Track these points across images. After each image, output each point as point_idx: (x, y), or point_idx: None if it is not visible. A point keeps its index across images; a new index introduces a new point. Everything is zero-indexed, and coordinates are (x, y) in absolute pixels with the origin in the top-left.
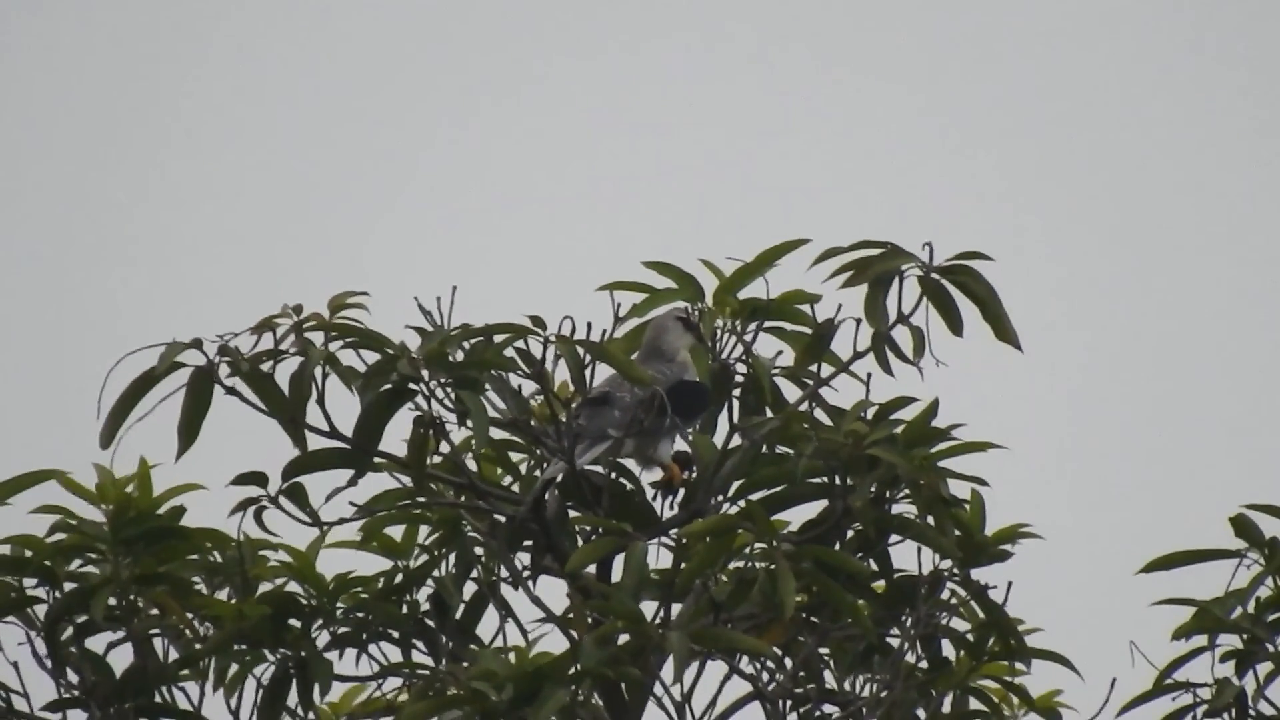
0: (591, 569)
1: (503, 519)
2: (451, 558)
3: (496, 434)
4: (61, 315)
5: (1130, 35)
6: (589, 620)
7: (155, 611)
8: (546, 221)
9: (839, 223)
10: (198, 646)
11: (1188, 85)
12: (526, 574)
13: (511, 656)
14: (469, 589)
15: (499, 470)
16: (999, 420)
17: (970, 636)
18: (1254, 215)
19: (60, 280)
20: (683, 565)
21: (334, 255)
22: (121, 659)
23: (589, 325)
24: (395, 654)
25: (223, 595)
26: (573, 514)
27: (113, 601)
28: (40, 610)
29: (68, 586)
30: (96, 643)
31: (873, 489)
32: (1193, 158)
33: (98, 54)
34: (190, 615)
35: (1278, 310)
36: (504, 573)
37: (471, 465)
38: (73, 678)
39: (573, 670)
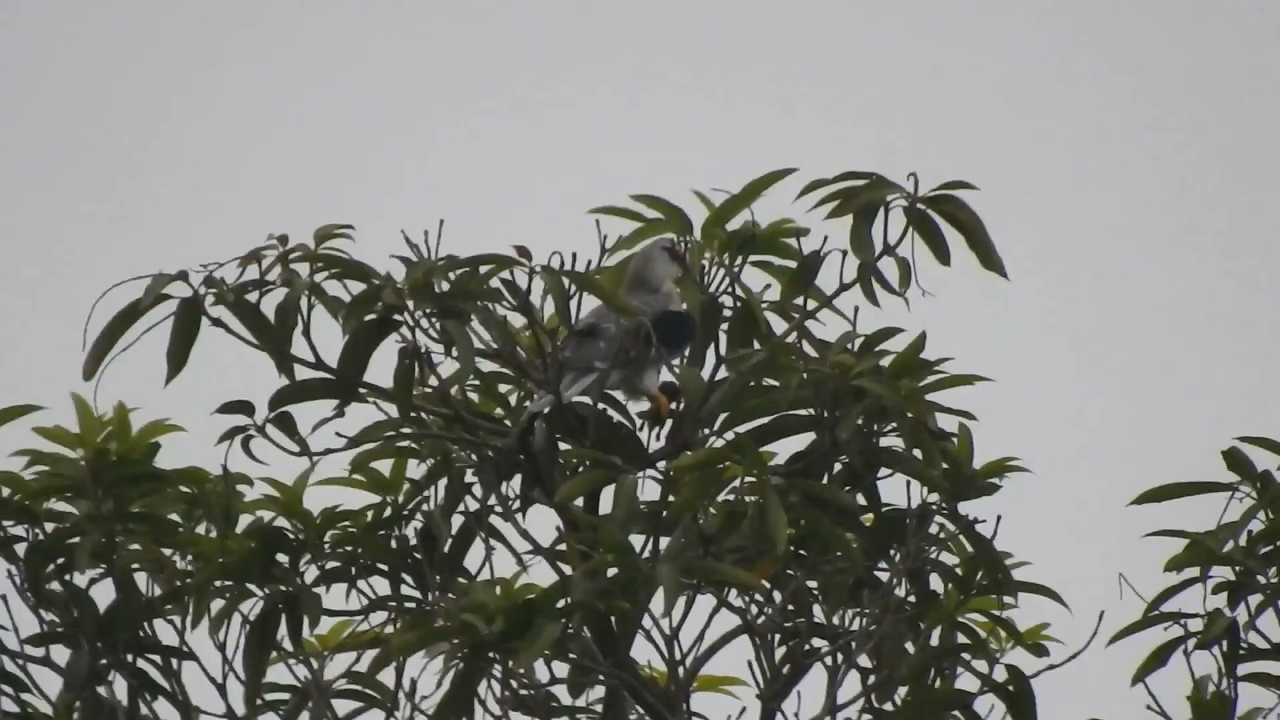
0: (579, 501)
1: (490, 451)
2: (440, 490)
3: (486, 365)
4: (47, 246)
5: None
6: (580, 554)
7: (136, 547)
8: (533, 153)
9: (825, 152)
10: (179, 584)
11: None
12: (515, 506)
13: (498, 589)
14: (457, 522)
15: (488, 402)
16: (986, 352)
17: (958, 570)
18: (1251, 129)
19: (45, 211)
20: (671, 498)
21: (320, 187)
22: (104, 594)
23: (574, 256)
24: (384, 588)
25: (203, 531)
26: (561, 446)
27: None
28: (21, 548)
29: (48, 524)
30: (79, 577)
31: (860, 421)
32: (1185, 78)
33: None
34: (171, 552)
35: (1272, 238)
36: (493, 504)
37: (459, 397)
38: (54, 615)
39: (562, 603)
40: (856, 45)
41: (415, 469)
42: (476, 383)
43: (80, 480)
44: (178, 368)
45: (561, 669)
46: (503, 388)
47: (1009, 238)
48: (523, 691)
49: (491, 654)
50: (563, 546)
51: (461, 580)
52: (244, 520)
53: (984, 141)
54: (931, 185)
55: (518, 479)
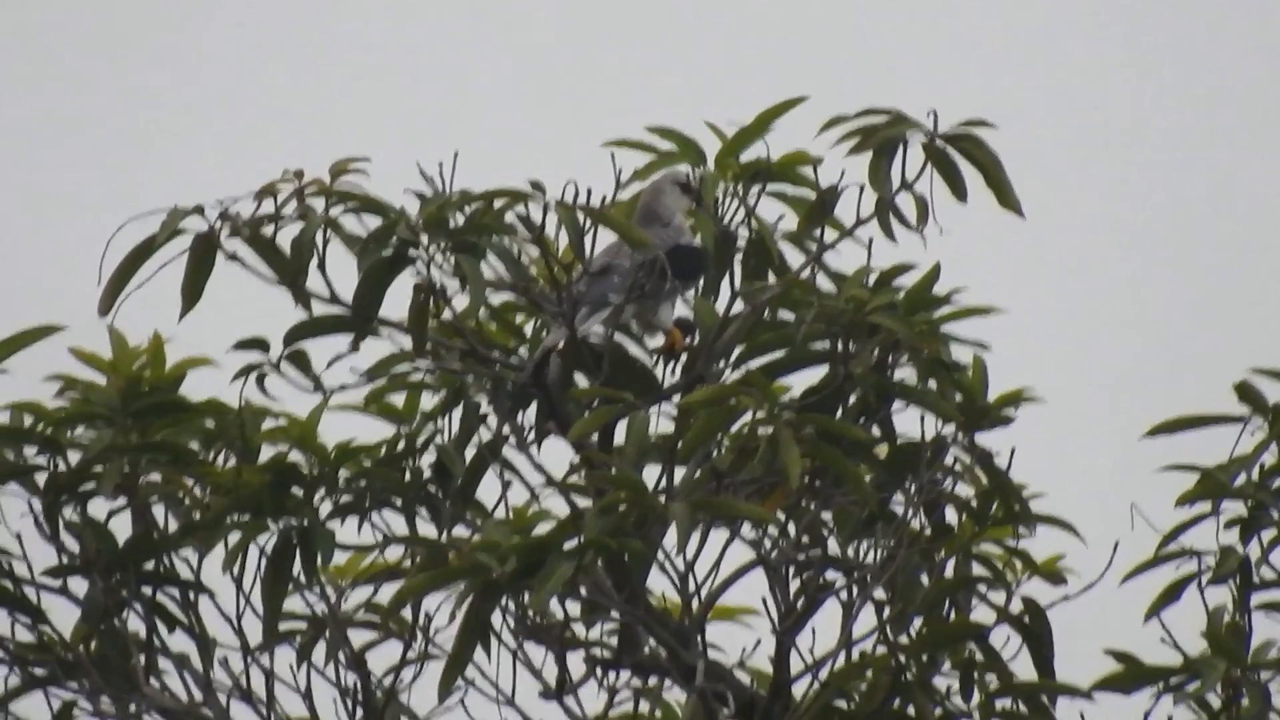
0: (594, 436)
1: (505, 383)
2: (454, 422)
3: (500, 296)
4: (62, 177)
5: None
6: (595, 488)
7: (155, 478)
8: (545, 87)
9: (836, 81)
10: (196, 516)
11: None
12: (530, 439)
13: (511, 525)
14: (471, 455)
15: (503, 333)
16: (1001, 286)
17: (973, 502)
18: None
19: (61, 143)
20: (684, 432)
21: (333, 119)
22: (120, 526)
23: (589, 190)
24: (398, 521)
25: (221, 463)
26: (576, 378)
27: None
28: (40, 478)
29: (69, 454)
30: (97, 509)
31: (874, 354)
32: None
33: None
34: (191, 482)
35: None
36: (509, 436)
37: (473, 329)
38: (73, 546)
39: (576, 542)
40: None
41: (429, 401)
42: (489, 312)
43: (111, 407)
44: (192, 302)
45: (575, 606)
46: (516, 318)
47: (1024, 172)
48: (537, 621)
49: (505, 594)
50: (576, 478)
51: (475, 513)
52: (264, 453)
53: (997, 72)
54: (951, 123)
55: (532, 410)
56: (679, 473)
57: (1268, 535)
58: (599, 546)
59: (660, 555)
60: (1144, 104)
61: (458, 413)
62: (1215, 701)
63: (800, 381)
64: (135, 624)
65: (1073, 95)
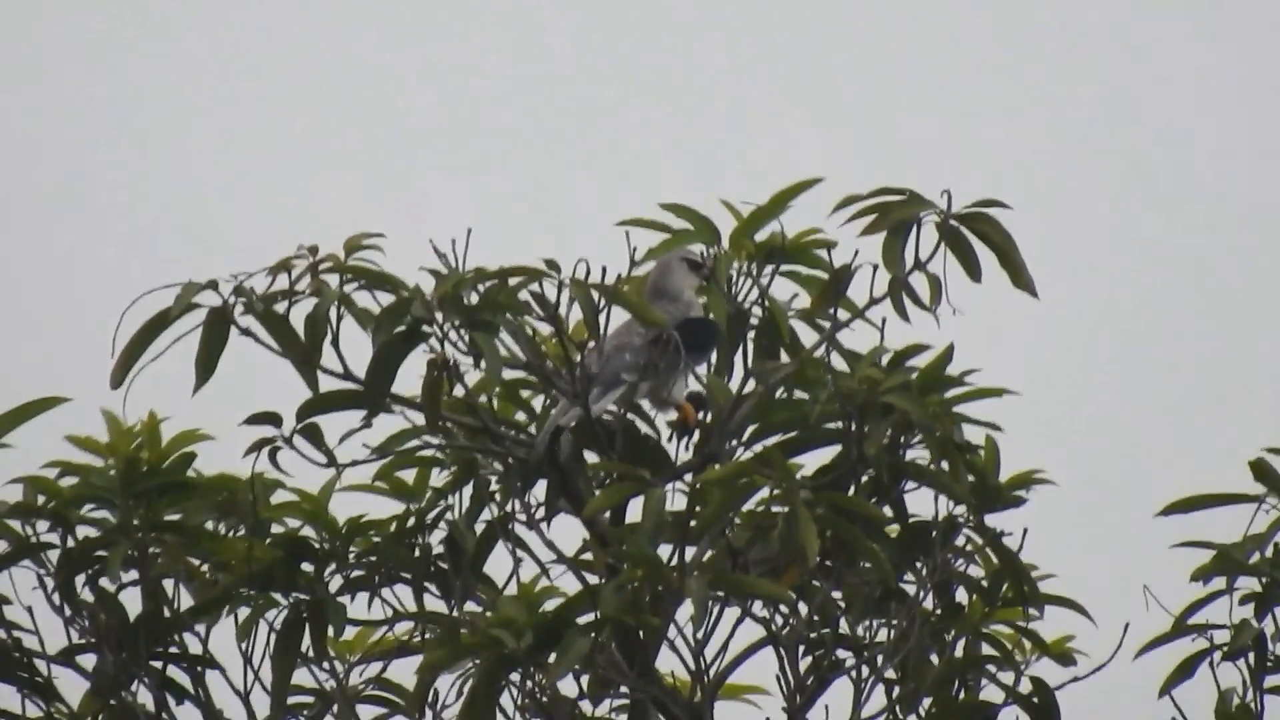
0: (605, 513)
1: (516, 461)
2: (465, 498)
3: (511, 372)
4: (72, 255)
5: None
6: (606, 564)
7: (166, 555)
8: (563, 164)
9: (851, 163)
10: (206, 592)
11: (1213, 27)
12: (540, 515)
13: (524, 601)
14: (481, 530)
15: (511, 408)
16: (1014, 366)
17: (984, 582)
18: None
19: (70, 221)
20: (698, 509)
21: (349, 198)
22: (132, 600)
23: (604, 269)
24: (408, 596)
25: (232, 536)
26: (587, 455)
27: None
28: (53, 555)
29: (79, 530)
30: (109, 582)
31: (887, 434)
32: (1206, 94)
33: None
34: (199, 562)
35: None
36: (518, 512)
37: (485, 405)
38: (84, 621)
39: (591, 617)
40: (883, 60)
41: (439, 477)
42: (501, 388)
43: (111, 490)
44: (206, 376)
45: (587, 680)
46: (525, 393)
47: (1037, 249)
48: (544, 699)
49: (519, 669)
50: (588, 556)
51: (484, 588)
52: (275, 527)
53: (1012, 150)
54: (964, 202)
55: (542, 487)
56: (691, 550)
57: None
58: (615, 622)
59: (671, 630)
60: (1161, 182)
61: (468, 489)
62: None
63: (813, 460)
64: (145, 697)
65: (1088, 172)
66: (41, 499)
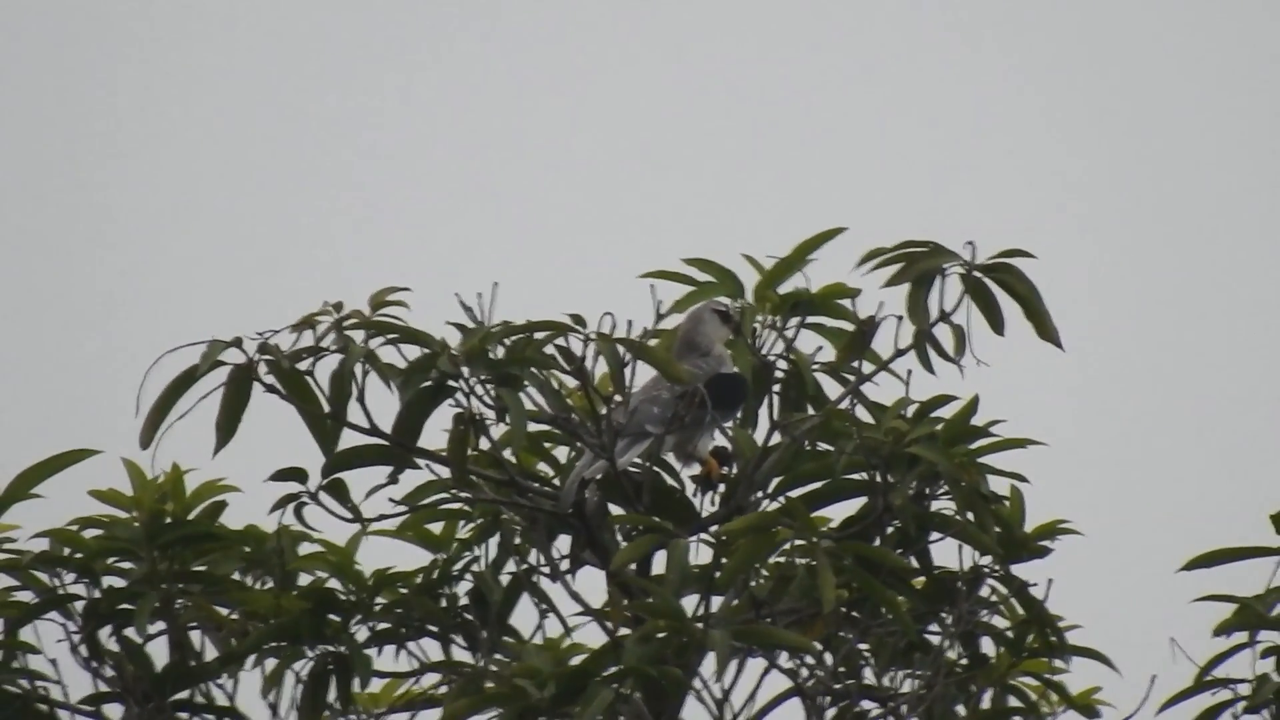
0: (632, 565)
1: (542, 514)
2: (491, 550)
3: (537, 426)
4: (89, 312)
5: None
6: (629, 616)
7: (192, 606)
8: (587, 218)
9: (873, 209)
10: (234, 642)
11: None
12: (565, 568)
13: (549, 652)
14: (506, 581)
15: (535, 459)
16: (1039, 417)
17: (1010, 633)
18: None
19: (89, 280)
20: (723, 560)
21: (374, 252)
22: (157, 650)
23: (629, 323)
24: (434, 648)
25: (260, 587)
26: (612, 508)
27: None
28: (78, 606)
29: (105, 580)
30: (134, 633)
31: (913, 486)
32: (1242, 149)
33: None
34: (228, 611)
35: None
36: (543, 565)
37: (510, 457)
38: (109, 671)
39: (615, 669)
40: (906, 108)
41: (465, 529)
42: (527, 441)
43: (135, 542)
44: (228, 436)
45: None
46: (550, 445)
47: (1063, 300)
48: None
49: (543, 719)
50: (613, 610)
51: (509, 640)
52: (302, 579)
53: (1037, 196)
54: (989, 253)
55: (566, 539)
56: (716, 602)
57: None
58: (639, 674)
59: (696, 682)
60: (1186, 229)
61: (494, 541)
62: None
63: (840, 512)
64: None
65: (1113, 223)
66: (67, 550)
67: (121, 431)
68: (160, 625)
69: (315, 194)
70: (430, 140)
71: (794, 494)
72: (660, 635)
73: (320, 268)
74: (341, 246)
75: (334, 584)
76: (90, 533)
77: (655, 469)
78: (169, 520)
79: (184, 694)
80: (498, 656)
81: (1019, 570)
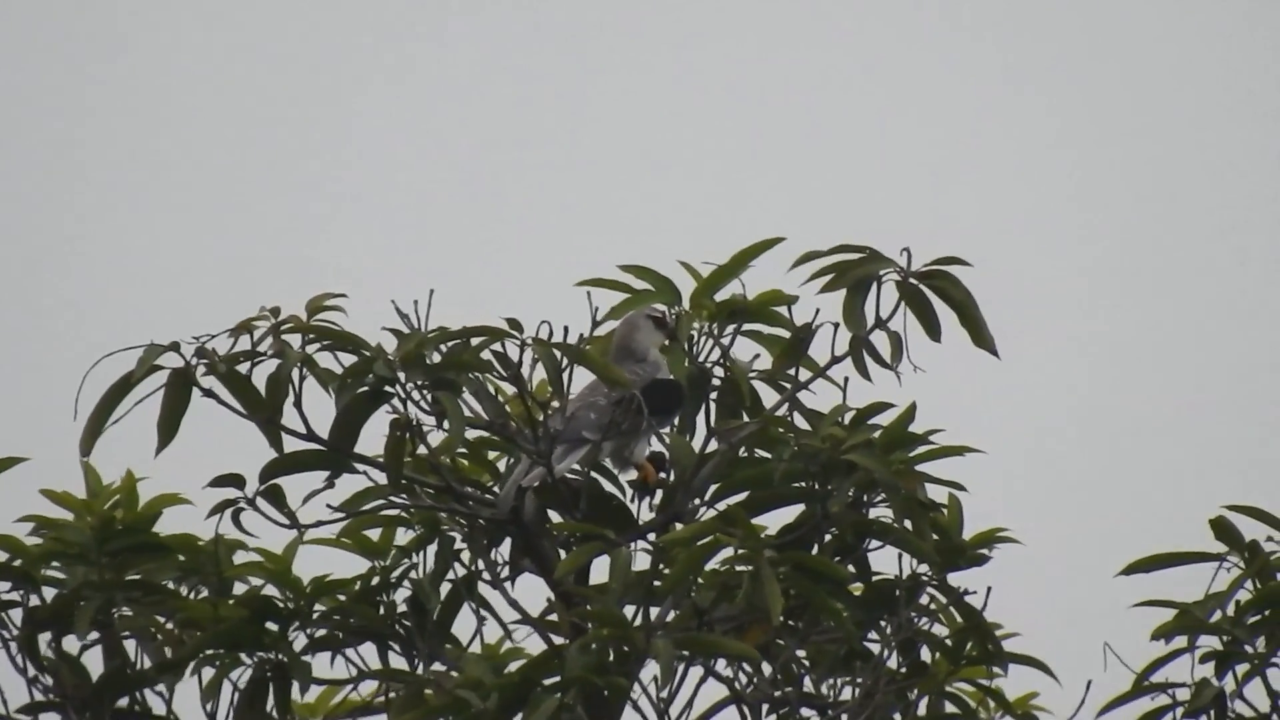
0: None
1: (480, 520)
2: (429, 557)
3: (475, 432)
4: (27, 316)
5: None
6: (571, 624)
7: (129, 613)
8: (523, 223)
9: (812, 221)
10: (169, 651)
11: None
12: (505, 575)
13: (490, 662)
14: (446, 589)
15: (477, 468)
16: (977, 423)
17: (948, 641)
18: (1238, 216)
19: (27, 281)
20: (663, 568)
21: (309, 256)
22: (94, 659)
23: (565, 329)
24: (373, 656)
25: (196, 596)
26: (551, 514)
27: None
28: (14, 614)
29: (45, 590)
30: (72, 643)
31: (851, 493)
32: (1170, 154)
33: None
34: (164, 619)
35: (1260, 311)
36: (482, 571)
37: (448, 464)
38: (47, 680)
39: (558, 677)
40: (843, 116)
41: (404, 536)
42: (464, 448)
43: (85, 546)
44: (168, 438)
45: None
46: (492, 455)
47: (999, 305)
48: None
49: None
50: (553, 616)
51: (449, 648)
52: (239, 587)
53: (968, 210)
54: (925, 260)
55: (507, 545)
56: (656, 609)
57: (1242, 670)
58: (581, 682)
59: (635, 691)
60: (1120, 236)
61: (433, 548)
62: None
63: (777, 519)
64: None
65: (1048, 225)
66: (4, 556)
67: (55, 434)
68: (97, 635)
69: (253, 197)
70: (367, 145)
71: (731, 501)
72: (602, 643)
73: (259, 273)
74: (281, 252)
75: (271, 591)
76: (32, 540)
77: (593, 475)
78: (120, 527)
79: (123, 702)
80: (436, 664)
81: (957, 578)
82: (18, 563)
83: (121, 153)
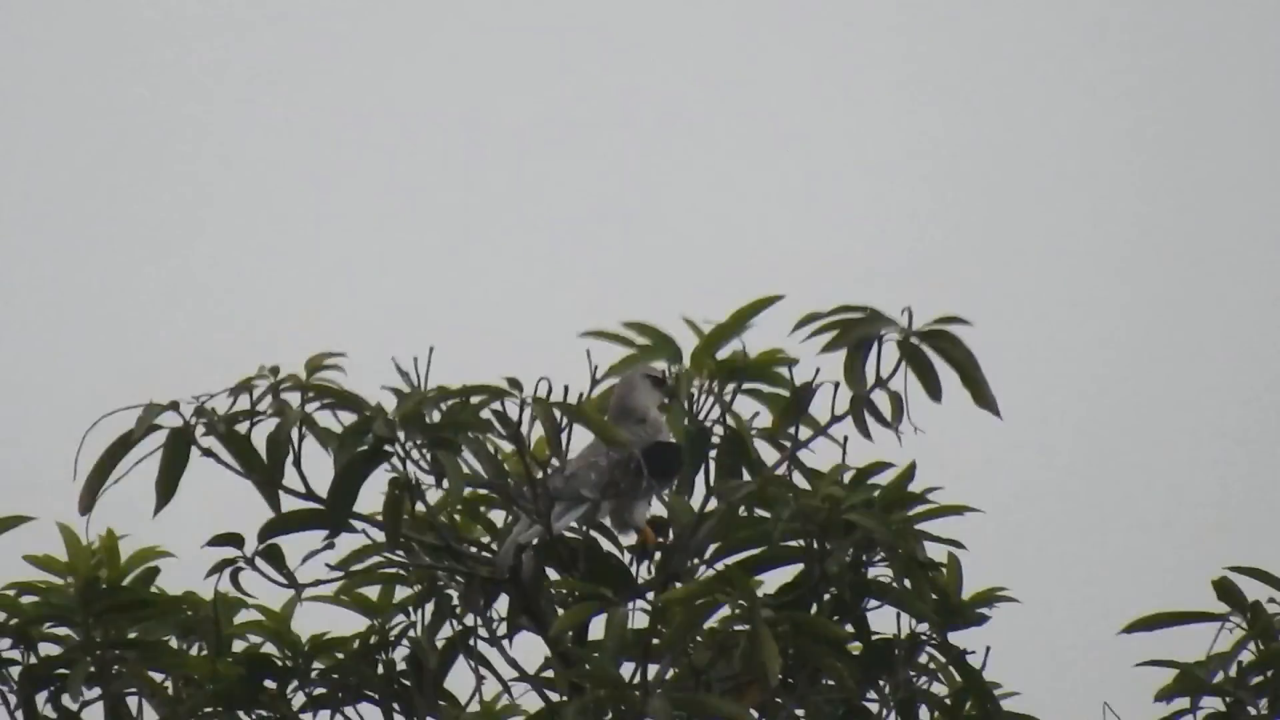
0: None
1: (478, 579)
2: (428, 615)
3: (474, 490)
4: (25, 373)
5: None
6: (568, 682)
7: (128, 672)
8: (524, 280)
9: (814, 274)
10: (169, 709)
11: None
12: (502, 633)
13: (476, 707)
14: (443, 647)
15: (473, 525)
16: (977, 481)
17: (947, 700)
18: (1231, 265)
19: (21, 338)
20: (660, 627)
21: (309, 313)
22: (95, 716)
23: (565, 387)
24: (372, 714)
25: (195, 653)
26: (549, 573)
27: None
28: (15, 672)
29: (41, 646)
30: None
31: (849, 552)
32: (1170, 210)
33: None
34: (161, 678)
35: (1255, 377)
36: (480, 629)
37: (446, 523)
38: None
39: None
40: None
41: (402, 593)
42: (462, 506)
43: (71, 609)
44: (166, 498)
45: None
46: (484, 508)
47: (1001, 365)
48: None
49: None
50: (550, 673)
51: (447, 706)
52: (237, 645)
53: (972, 262)
54: (926, 319)
55: (504, 602)
56: (653, 669)
57: None
58: None
59: None
60: (1118, 298)
61: (431, 605)
62: None
63: (775, 579)
64: None
65: (1046, 289)
66: (2, 615)
67: (56, 493)
68: (96, 692)
69: (249, 258)
70: (365, 205)
71: (730, 560)
72: (599, 702)
73: (255, 333)
74: (281, 308)
75: (270, 649)
76: (27, 598)
77: (591, 534)
78: (104, 586)
79: None
80: None
81: (957, 637)
82: (14, 621)
83: (111, 207)
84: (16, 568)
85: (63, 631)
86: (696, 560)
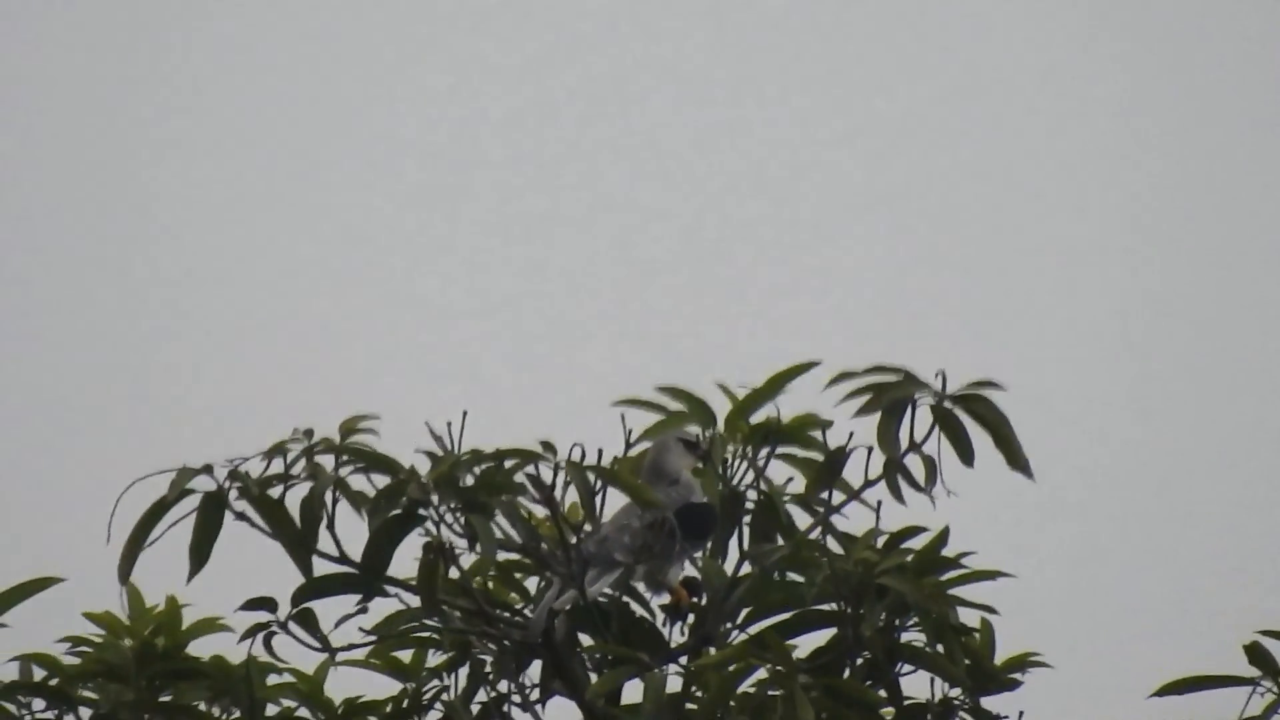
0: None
1: (510, 643)
2: (461, 679)
3: (507, 554)
4: (58, 433)
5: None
6: None
7: None
8: (555, 346)
9: (847, 333)
10: None
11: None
12: (535, 698)
13: None
14: (476, 710)
15: (505, 589)
16: (1010, 544)
17: None
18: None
19: (55, 395)
20: (695, 690)
21: (343, 381)
22: None
23: (599, 451)
24: None
25: (229, 718)
26: (582, 636)
27: None
28: None
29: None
30: None
31: (882, 617)
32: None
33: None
34: None
35: None
36: (513, 693)
37: (479, 587)
38: None
39: None
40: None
41: (435, 657)
42: (495, 569)
43: (124, 668)
44: (200, 563)
45: None
46: (518, 574)
47: (1027, 425)
48: None
49: None
50: None
51: None
52: (271, 709)
53: (1007, 319)
54: (960, 382)
55: (537, 666)
56: None
57: None
58: None
59: None
60: (1148, 355)
61: (464, 669)
62: None
63: (808, 643)
64: None
65: (1074, 346)
66: (42, 674)
67: (85, 555)
68: None
69: (284, 322)
70: (394, 266)
71: (763, 624)
72: None
73: (289, 395)
74: (311, 374)
75: (303, 713)
76: (69, 659)
77: (624, 598)
78: (160, 650)
79: None
80: None
81: (989, 702)
82: (54, 681)
83: (139, 268)
84: (47, 629)
85: (95, 696)
86: (729, 624)
